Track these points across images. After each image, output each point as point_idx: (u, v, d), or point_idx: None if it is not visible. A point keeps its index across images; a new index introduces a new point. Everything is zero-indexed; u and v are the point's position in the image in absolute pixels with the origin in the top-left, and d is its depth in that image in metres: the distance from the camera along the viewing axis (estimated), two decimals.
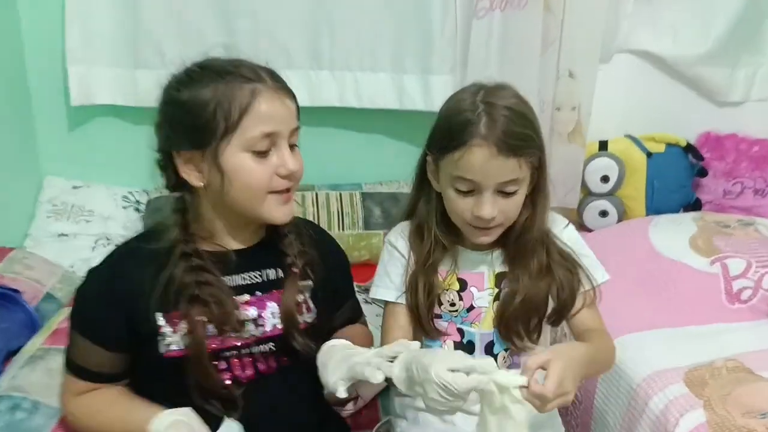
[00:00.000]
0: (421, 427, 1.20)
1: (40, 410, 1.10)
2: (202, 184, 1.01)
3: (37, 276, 1.55)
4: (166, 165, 1.03)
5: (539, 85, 1.88)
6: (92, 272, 1.05)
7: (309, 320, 1.10)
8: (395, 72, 1.90)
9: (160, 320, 1.00)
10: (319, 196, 1.91)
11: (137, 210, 1.92)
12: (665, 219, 1.93)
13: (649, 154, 2.00)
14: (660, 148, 2.02)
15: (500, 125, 1.01)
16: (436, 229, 1.14)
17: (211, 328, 1.01)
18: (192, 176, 1.01)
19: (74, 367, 1.04)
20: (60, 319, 1.38)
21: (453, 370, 0.88)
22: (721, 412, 1.26)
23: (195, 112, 0.97)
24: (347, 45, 1.87)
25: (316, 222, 1.85)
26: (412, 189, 1.20)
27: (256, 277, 1.08)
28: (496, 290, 1.15)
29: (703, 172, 2.05)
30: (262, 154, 0.99)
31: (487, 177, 1.03)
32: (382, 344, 1.14)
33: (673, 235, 1.83)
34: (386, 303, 1.18)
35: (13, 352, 1.29)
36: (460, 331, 1.16)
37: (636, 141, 2.02)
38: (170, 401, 1.00)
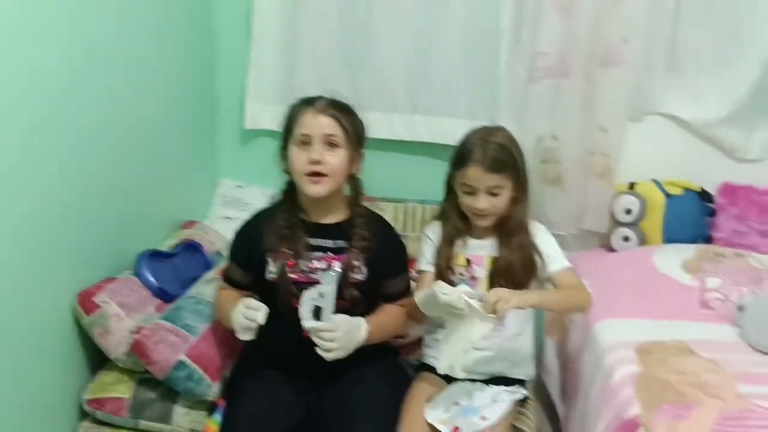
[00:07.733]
0: (435, 350, 1.80)
1: (210, 306, 1.84)
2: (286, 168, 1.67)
3: (211, 239, 2.30)
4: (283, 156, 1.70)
5: (579, 136, 2.34)
6: (241, 225, 1.78)
7: (360, 278, 1.68)
8: (470, 118, 2.34)
9: (267, 257, 1.66)
10: (407, 208, 2.38)
11: None
12: (673, 247, 2.26)
13: (668, 195, 2.32)
14: (678, 191, 2.33)
15: (488, 153, 1.62)
16: (455, 220, 1.76)
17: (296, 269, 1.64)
18: (285, 163, 1.67)
19: (225, 276, 1.78)
20: (223, 264, 2.08)
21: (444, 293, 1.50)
22: (652, 370, 1.68)
23: (284, 122, 1.67)
24: (435, 96, 2.45)
25: (406, 228, 2.36)
26: (443, 197, 1.80)
27: (331, 243, 1.69)
28: (491, 267, 1.73)
29: (712, 213, 2.33)
30: (302, 146, 1.61)
31: (479, 183, 1.64)
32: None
33: (672, 258, 2.18)
34: (420, 270, 1.79)
35: (196, 278, 2.04)
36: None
37: (658, 184, 2.34)
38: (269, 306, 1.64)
